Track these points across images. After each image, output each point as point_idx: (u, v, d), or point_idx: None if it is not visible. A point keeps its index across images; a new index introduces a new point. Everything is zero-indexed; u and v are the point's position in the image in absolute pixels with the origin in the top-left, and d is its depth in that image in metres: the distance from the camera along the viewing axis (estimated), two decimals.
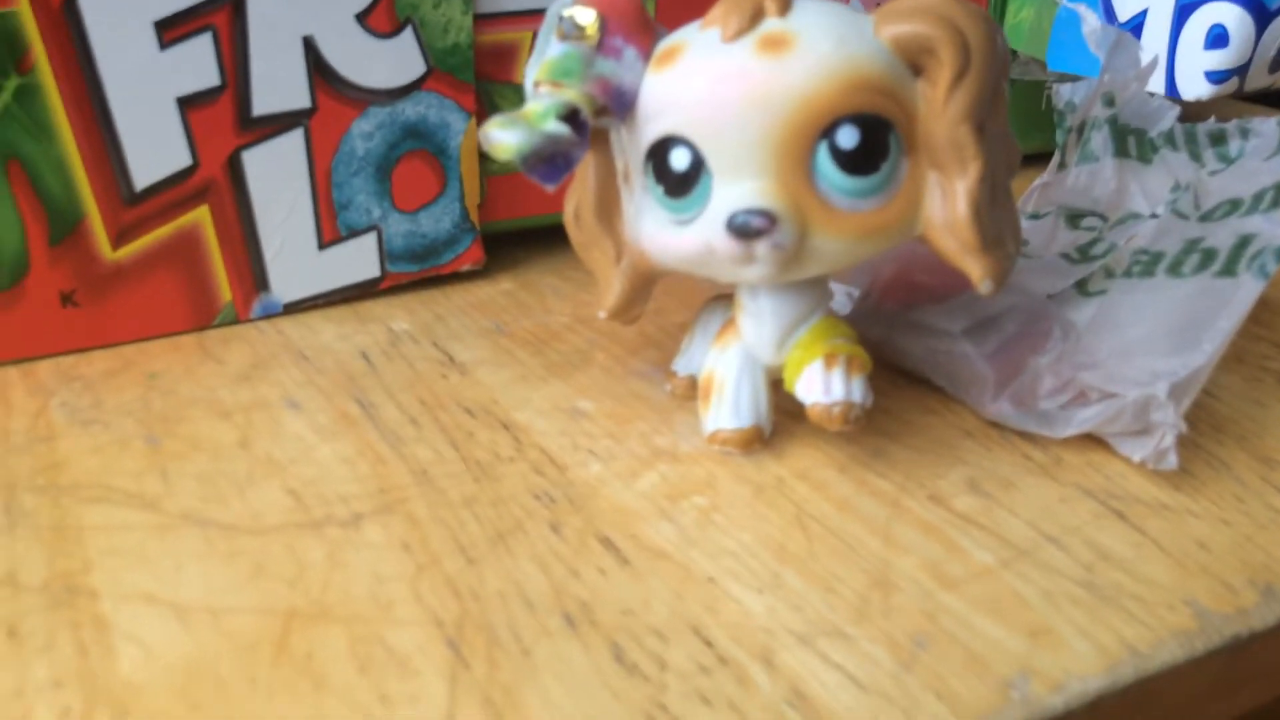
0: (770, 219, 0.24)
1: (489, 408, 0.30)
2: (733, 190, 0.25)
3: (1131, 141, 0.35)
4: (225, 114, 0.33)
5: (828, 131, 0.24)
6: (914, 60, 0.25)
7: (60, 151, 0.31)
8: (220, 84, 0.33)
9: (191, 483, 0.27)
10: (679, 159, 0.25)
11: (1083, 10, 0.38)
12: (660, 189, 0.26)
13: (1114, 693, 0.22)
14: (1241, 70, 0.41)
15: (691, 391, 0.30)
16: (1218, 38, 0.40)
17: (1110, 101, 0.35)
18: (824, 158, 0.24)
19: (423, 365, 0.32)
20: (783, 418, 0.29)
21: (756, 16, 0.25)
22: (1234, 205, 0.31)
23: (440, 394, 0.31)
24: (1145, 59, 0.35)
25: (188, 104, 0.32)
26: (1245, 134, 0.34)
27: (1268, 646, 0.24)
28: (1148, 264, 0.30)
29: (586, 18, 0.26)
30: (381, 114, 0.35)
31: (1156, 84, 0.41)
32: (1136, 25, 0.42)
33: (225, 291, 0.35)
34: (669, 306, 0.35)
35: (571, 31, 0.26)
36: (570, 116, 0.25)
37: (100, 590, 0.23)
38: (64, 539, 0.25)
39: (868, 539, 0.25)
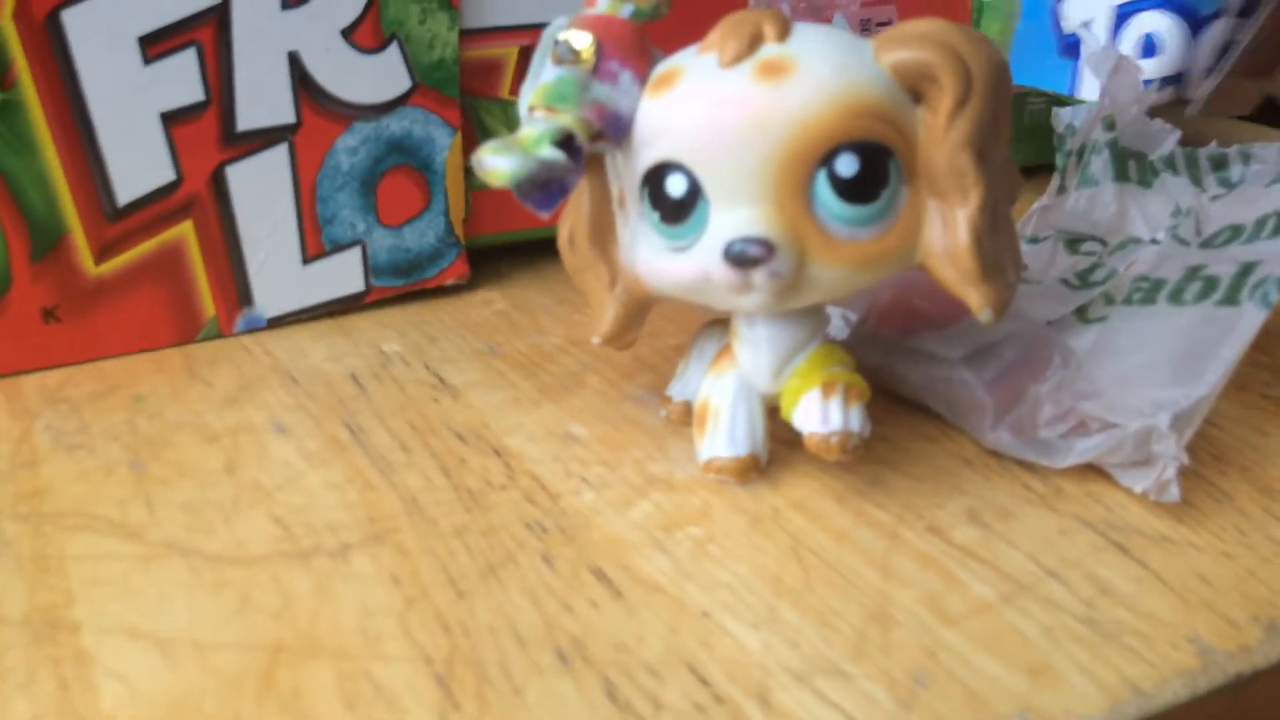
0: (768, 247, 0.24)
1: (480, 433, 0.30)
2: (730, 217, 0.24)
3: (1132, 165, 0.35)
4: (209, 129, 0.33)
5: (827, 159, 0.24)
6: (914, 87, 0.24)
7: (43, 167, 0.31)
8: (204, 99, 0.32)
9: (177, 511, 0.26)
10: (675, 185, 0.25)
11: (1083, 34, 0.38)
12: (656, 215, 0.25)
13: None
14: (1176, 78, 0.41)
15: (686, 418, 0.29)
16: (1150, 45, 0.40)
17: (1110, 125, 0.35)
18: (823, 185, 0.24)
19: (414, 388, 0.32)
20: (779, 446, 0.28)
21: (755, 41, 0.24)
22: (1236, 231, 0.30)
23: (431, 418, 0.30)
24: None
25: (171, 119, 0.32)
26: (1247, 159, 0.34)
27: (1271, 684, 0.23)
28: (1149, 291, 0.30)
29: (582, 42, 0.25)
30: (366, 129, 0.35)
31: (1091, 92, 0.41)
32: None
33: (209, 306, 0.34)
34: (664, 329, 0.35)
35: (567, 56, 0.25)
36: (565, 142, 0.25)
37: (82, 623, 0.23)
38: (46, 570, 0.24)
39: (865, 571, 0.25)
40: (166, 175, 0.32)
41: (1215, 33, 0.41)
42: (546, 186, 0.25)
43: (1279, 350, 0.34)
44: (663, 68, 0.26)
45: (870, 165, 0.24)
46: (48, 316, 0.32)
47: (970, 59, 0.24)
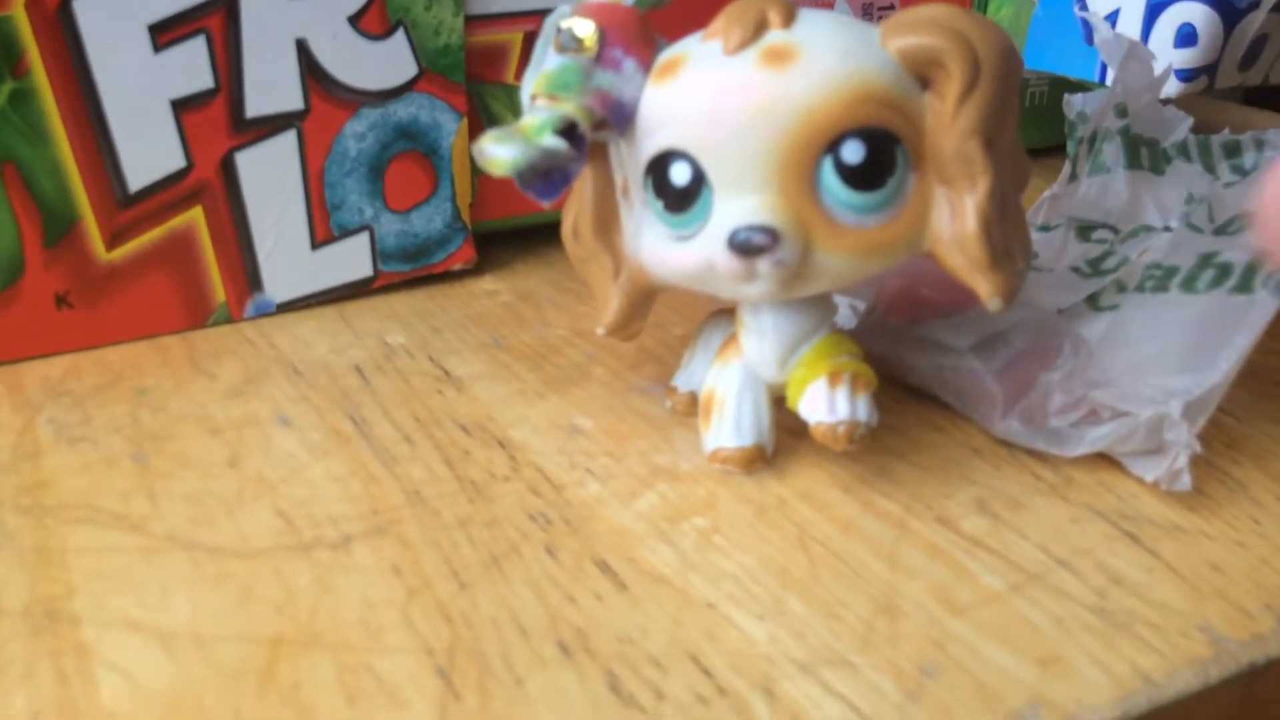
0: (773, 235, 0.24)
1: (485, 425, 0.30)
2: (734, 205, 0.24)
3: (1144, 152, 0.34)
4: (219, 116, 0.33)
5: (832, 146, 0.24)
6: (922, 73, 0.24)
7: (55, 154, 0.31)
8: (214, 86, 0.32)
9: (179, 503, 0.26)
10: (679, 173, 0.25)
11: (1094, 19, 0.37)
12: (660, 204, 0.25)
13: None
14: (1211, 69, 0.41)
15: (692, 408, 0.29)
16: (1187, 36, 0.40)
17: (1123, 112, 0.34)
18: (828, 172, 0.24)
19: (418, 380, 0.32)
20: (785, 436, 0.28)
21: (760, 28, 0.24)
22: (1249, 218, 0.30)
23: (435, 410, 0.30)
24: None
25: (181, 106, 0.32)
26: (1260, 145, 0.34)
27: None
28: (1161, 278, 0.30)
29: (585, 29, 0.25)
30: (374, 115, 0.35)
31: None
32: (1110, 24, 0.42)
33: (219, 292, 0.34)
34: (669, 320, 0.34)
35: (570, 44, 0.25)
36: (568, 130, 0.24)
37: (83, 616, 0.23)
38: (47, 562, 0.24)
39: (873, 562, 0.25)
40: (177, 162, 0.32)
41: (1250, 24, 0.41)
42: (549, 175, 0.24)
43: None
44: (666, 55, 0.26)
45: (876, 152, 0.24)
46: (60, 302, 0.32)
47: (978, 44, 0.24)
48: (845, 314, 0.32)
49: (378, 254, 0.36)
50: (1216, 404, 0.26)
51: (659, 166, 0.25)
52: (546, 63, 0.25)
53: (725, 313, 0.29)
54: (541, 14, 0.35)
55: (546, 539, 0.25)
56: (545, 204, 0.25)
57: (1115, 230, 0.34)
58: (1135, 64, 0.35)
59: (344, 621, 0.23)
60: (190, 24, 0.31)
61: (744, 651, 0.22)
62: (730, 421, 0.27)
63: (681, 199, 0.25)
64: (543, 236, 0.39)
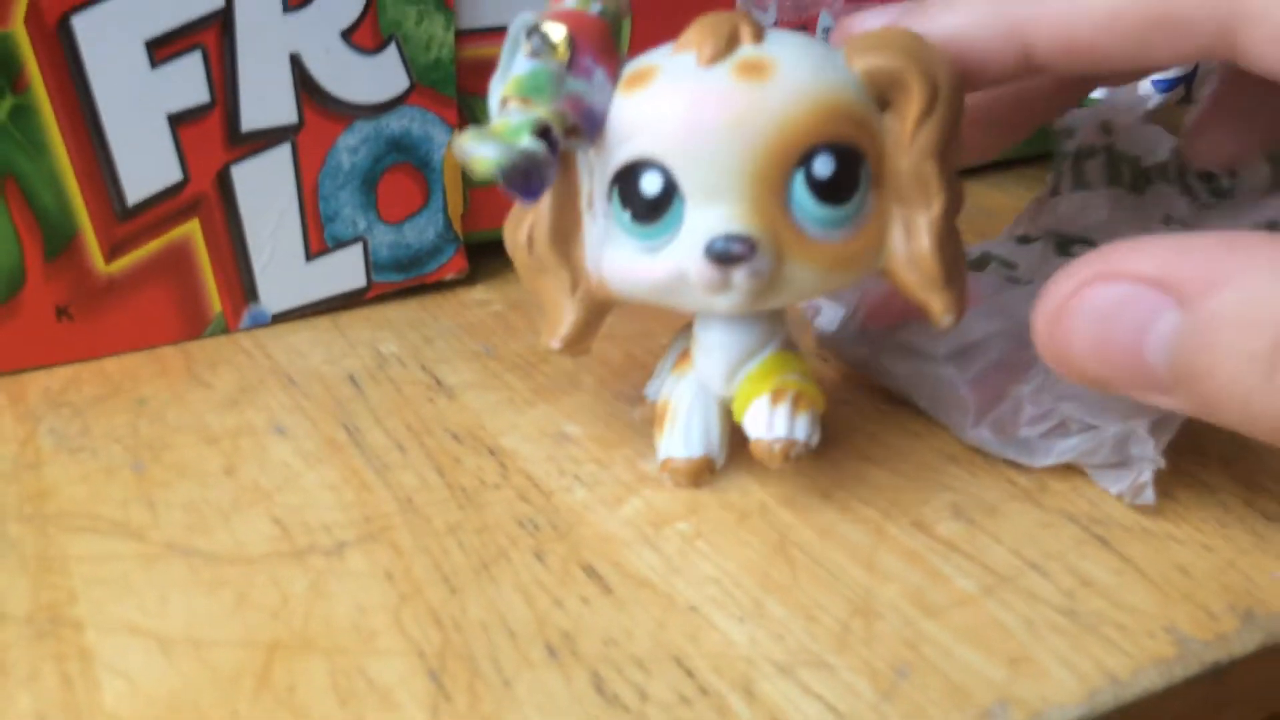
0: (750, 245, 0.24)
1: (475, 432, 0.30)
2: (709, 215, 0.24)
3: (1126, 171, 0.35)
4: (215, 130, 0.33)
5: (805, 159, 0.24)
6: (884, 93, 0.25)
7: (55, 168, 0.32)
8: (210, 101, 0.33)
9: (178, 511, 0.27)
10: (650, 183, 0.25)
11: None
12: (627, 214, 0.25)
13: None
14: (1188, 78, 0.41)
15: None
16: None
17: (1108, 129, 0.35)
18: (800, 185, 0.24)
19: (410, 389, 0.32)
20: None
21: (733, 41, 0.25)
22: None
23: (427, 419, 0.31)
24: None
25: (178, 121, 0.33)
26: (1234, 171, 0.34)
27: (1248, 672, 0.24)
28: None
29: (558, 34, 0.25)
30: (366, 128, 0.35)
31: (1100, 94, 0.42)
32: None
33: (215, 303, 0.35)
34: (655, 330, 0.35)
35: (541, 48, 0.25)
36: (543, 134, 0.24)
37: (85, 621, 0.24)
38: (49, 569, 0.25)
39: (850, 566, 0.25)
40: (174, 175, 0.33)
41: None
42: (528, 177, 0.24)
43: None
44: (635, 66, 0.26)
45: (845, 167, 0.24)
46: (61, 314, 0.33)
47: (936, 69, 0.24)
48: (829, 317, 0.33)
49: (371, 265, 0.37)
50: (1182, 420, 0.27)
51: (628, 176, 0.25)
52: (516, 67, 0.25)
53: (689, 327, 0.29)
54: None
55: (535, 544, 0.26)
56: (527, 205, 0.25)
57: (1094, 245, 0.34)
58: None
59: (337, 626, 0.23)
60: (186, 39, 0.32)
61: (725, 653, 0.23)
62: (680, 432, 0.28)
63: (651, 209, 0.25)
64: None
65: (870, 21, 0.27)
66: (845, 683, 0.22)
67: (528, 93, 0.25)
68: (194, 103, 0.33)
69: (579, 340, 0.28)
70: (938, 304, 0.25)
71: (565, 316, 0.27)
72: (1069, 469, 0.28)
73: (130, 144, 0.32)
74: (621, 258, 0.26)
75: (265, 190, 0.35)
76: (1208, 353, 0.20)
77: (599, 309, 0.28)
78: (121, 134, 0.32)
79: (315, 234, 0.36)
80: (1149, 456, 0.26)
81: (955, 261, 0.26)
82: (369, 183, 0.36)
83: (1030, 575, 0.25)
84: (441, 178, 0.37)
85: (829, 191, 0.24)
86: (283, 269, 0.36)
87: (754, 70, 0.24)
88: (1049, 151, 0.38)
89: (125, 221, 0.33)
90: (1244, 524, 0.27)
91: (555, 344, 0.28)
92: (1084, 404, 0.28)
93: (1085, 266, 0.22)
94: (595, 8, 0.26)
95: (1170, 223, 0.33)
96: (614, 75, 0.26)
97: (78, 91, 0.31)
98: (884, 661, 0.23)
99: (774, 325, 0.27)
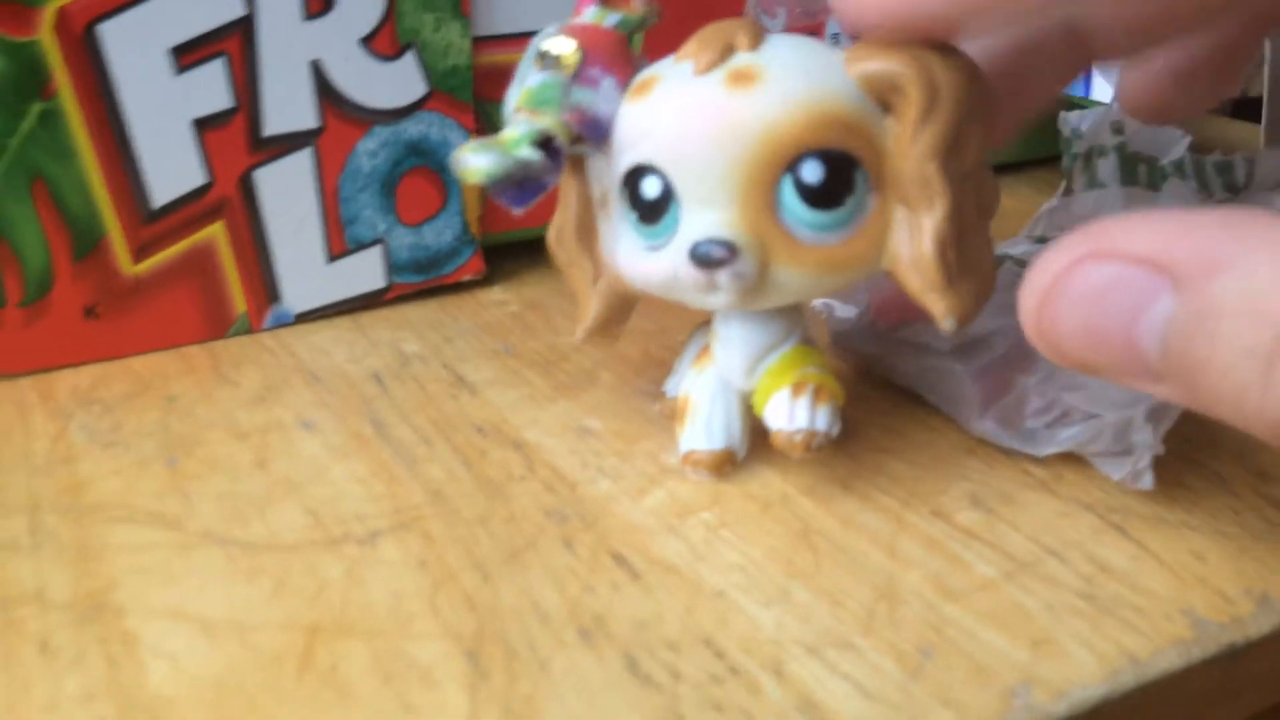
0: (731, 250, 0.25)
1: (499, 427, 0.31)
2: (698, 219, 0.25)
3: (1141, 170, 0.36)
4: (238, 135, 0.34)
5: (792, 165, 0.25)
6: (883, 98, 0.25)
7: (82, 172, 0.32)
8: (233, 106, 0.34)
9: (212, 503, 0.27)
10: (650, 187, 0.26)
11: None
12: (634, 215, 0.26)
13: (1114, 700, 0.22)
14: None
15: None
16: None
17: (1119, 129, 0.36)
18: (788, 191, 0.25)
19: (433, 386, 0.33)
20: None
21: (727, 51, 0.25)
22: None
23: (451, 414, 0.31)
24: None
25: (203, 126, 0.33)
26: (1251, 165, 0.35)
27: (1264, 654, 0.24)
28: None
29: (564, 48, 0.26)
30: (385, 133, 0.36)
31: (1105, 94, 0.42)
32: None
33: (239, 303, 0.36)
34: (673, 327, 0.36)
35: (550, 62, 0.26)
36: (545, 143, 0.25)
37: (126, 607, 0.24)
38: (88, 558, 0.26)
39: (873, 553, 0.26)
40: (198, 179, 0.34)
41: None
42: (521, 185, 0.25)
43: None
44: (643, 75, 0.27)
45: (835, 173, 0.25)
46: (88, 314, 0.34)
47: (938, 71, 0.25)
48: (844, 315, 0.33)
49: (391, 266, 0.38)
50: (1180, 409, 0.28)
51: (633, 180, 0.26)
52: (529, 80, 0.26)
53: (708, 323, 0.30)
54: None
55: (563, 533, 0.26)
56: (516, 212, 0.26)
57: None
58: None
59: (374, 611, 0.24)
60: (210, 46, 0.33)
61: (753, 636, 0.23)
62: (702, 425, 0.29)
63: (652, 211, 0.26)
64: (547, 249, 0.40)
65: None
66: (872, 663, 0.23)
67: (535, 104, 0.26)
68: (218, 108, 0.33)
69: (602, 330, 0.29)
70: (938, 307, 0.25)
71: (590, 307, 0.29)
72: (1083, 460, 0.29)
73: (156, 148, 0.33)
74: (630, 255, 0.27)
75: (287, 193, 0.35)
76: (1203, 342, 0.19)
77: (621, 301, 0.29)
78: (147, 138, 0.33)
79: (336, 236, 0.36)
80: (1148, 443, 0.27)
81: (963, 264, 0.26)
82: (388, 186, 0.37)
83: (1049, 561, 0.26)
84: (459, 181, 0.38)
85: (818, 197, 0.25)
86: (305, 270, 0.36)
87: (742, 79, 0.25)
88: (1058, 154, 0.39)
89: (151, 224, 0.34)
90: (1257, 512, 0.27)
91: (580, 332, 0.29)
92: (1087, 394, 0.28)
93: (1076, 244, 0.20)
94: (611, 20, 0.27)
95: None
96: (625, 82, 0.27)
97: (104, 97, 0.32)
98: (909, 643, 0.23)
99: (793, 320, 0.28)
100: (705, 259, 0.25)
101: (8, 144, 0.31)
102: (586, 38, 0.27)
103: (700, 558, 0.26)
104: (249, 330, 0.36)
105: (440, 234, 0.38)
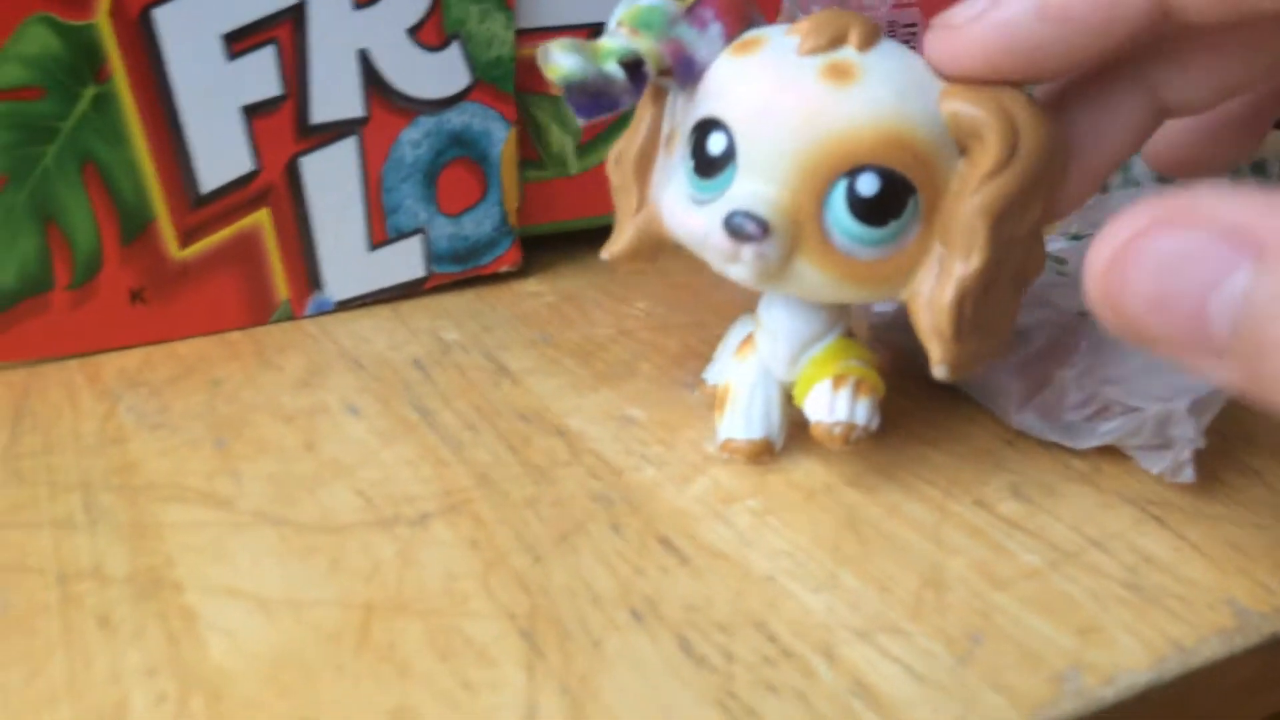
0: (763, 228, 0.25)
1: (542, 414, 0.31)
2: (746, 188, 0.25)
3: None
4: (286, 122, 0.34)
5: (852, 172, 0.25)
6: (964, 140, 0.25)
7: (133, 156, 0.33)
8: (282, 94, 0.34)
9: (262, 483, 0.28)
10: (715, 144, 0.26)
11: None
12: (691, 164, 0.26)
13: (1160, 685, 0.22)
14: None
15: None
16: None
17: None
18: (839, 195, 0.25)
19: (475, 374, 0.33)
20: None
21: (838, 41, 0.25)
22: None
23: (494, 401, 0.32)
24: None
25: (252, 112, 0.34)
26: None
27: None
28: None
29: None
30: (429, 123, 0.36)
31: None
32: None
33: (282, 289, 0.36)
34: (711, 320, 0.36)
35: None
36: (634, 65, 0.25)
37: (184, 583, 0.24)
38: (144, 535, 0.26)
39: (918, 541, 0.26)
40: (246, 165, 0.34)
41: None
42: (596, 97, 0.25)
43: None
44: (751, 34, 0.27)
45: (889, 193, 0.25)
46: (135, 297, 0.34)
47: (1024, 130, 0.24)
48: (886, 303, 0.34)
49: (430, 255, 0.38)
50: (1222, 402, 0.28)
51: (702, 130, 0.26)
52: None
53: (751, 313, 0.30)
54: (587, 28, 0.37)
55: (610, 518, 0.27)
56: (580, 121, 0.26)
57: None
58: None
59: (429, 590, 0.24)
60: (261, 34, 0.33)
61: (803, 620, 0.24)
62: (741, 414, 0.29)
63: (710, 166, 0.26)
64: (584, 241, 0.41)
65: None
66: (922, 648, 0.23)
67: (638, 23, 0.26)
68: (267, 95, 0.34)
69: (627, 257, 0.29)
70: (936, 353, 0.25)
71: (623, 234, 0.29)
72: (1120, 453, 0.29)
73: (206, 134, 0.33)
74: (675, 201, 0.27)
75: (332, 181, 0.36)
76: (1277, 324, 0.17)
77: (652, 239, 0.28)
78: (198, 124, 0.33)
79: (378, 224, 0.37)
80: (1189, 436, 0.27)
81: (976, 322, 0.25)
82: (430, 176, 0.37)
83: (1092, 551, 0.26)
84: (499, 172, 0.38)
85: (865, 210, 0.25)
86: (346, 258, 0.37)
87: (839, 74, 0.25)
88: None
89: (198, 209, 0.34)
90: None
91: (605, 253, 0.29)
92: (1126, 387, 0.29)
93: (1150, 209, 0.19)
94: None
95: None
96: (734, 33, 0.27)
97: (157, 82, 0.32)
98: (958, 629, 0.23)
99: (837, 313, 0.28)
100: (737, 230, 0.25)
101: (61, 127, 0.32)
102: None
103: (747, 543, 0.26)
104: (290, 317, 0.36)
105: (479, 224, 0.38)
